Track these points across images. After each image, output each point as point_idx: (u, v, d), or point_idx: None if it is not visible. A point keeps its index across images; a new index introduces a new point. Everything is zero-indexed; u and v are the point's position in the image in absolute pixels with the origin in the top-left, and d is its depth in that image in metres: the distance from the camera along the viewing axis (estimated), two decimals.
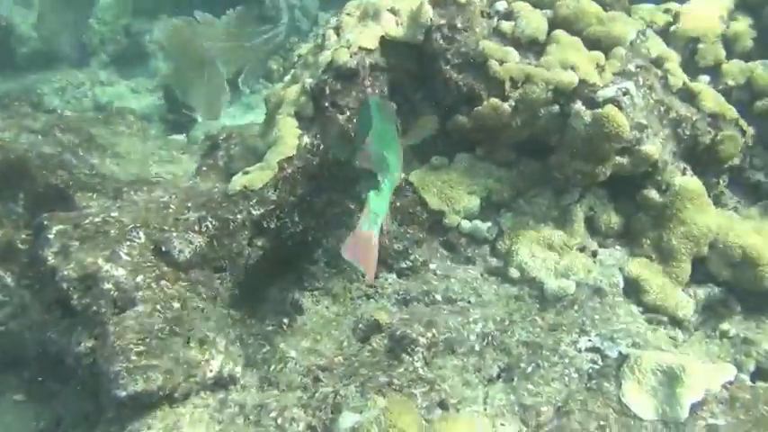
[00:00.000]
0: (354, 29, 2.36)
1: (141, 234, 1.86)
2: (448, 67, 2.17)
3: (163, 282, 1.82)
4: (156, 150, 3.16)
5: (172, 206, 2.04)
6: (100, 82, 4.93)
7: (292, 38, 5.08)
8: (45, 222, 1.86)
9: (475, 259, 2.16)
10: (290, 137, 2.21)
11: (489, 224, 2.19)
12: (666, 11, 2.70)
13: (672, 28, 2.50)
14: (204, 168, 2.56)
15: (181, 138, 4.09)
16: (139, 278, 1.78)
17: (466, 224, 2.21)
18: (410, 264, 2.12)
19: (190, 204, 2.06)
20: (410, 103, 2.35)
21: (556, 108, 2.05)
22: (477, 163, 2.23)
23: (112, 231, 1.84)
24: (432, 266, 2.12)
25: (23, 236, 2.15)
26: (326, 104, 2.26)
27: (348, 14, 2.50)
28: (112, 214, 1.89)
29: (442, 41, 2.19)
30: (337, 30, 2.45)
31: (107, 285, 1.73)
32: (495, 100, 2.06)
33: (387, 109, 1.93)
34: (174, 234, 1.91)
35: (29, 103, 3.33)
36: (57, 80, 4.84)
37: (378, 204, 1.64)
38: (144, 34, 5.14)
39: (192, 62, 4.28)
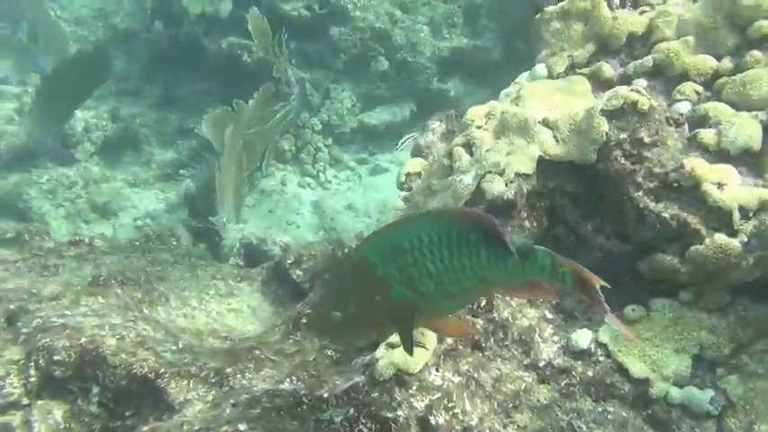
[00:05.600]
0: (497, 148, 1.92)
1: None
2: (640, 194, 1.70)
3: None
4: (209, 282, 2.57)
5: (305, 400, 1.55)
6: (93, 180, 4.37)
7: (303, 114, 4.63)
8: None
9: None
10: None
11: (711, 393, 1.67)
12: None
13: None
14: (304, 321, 2.06)
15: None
16: None
17: (676, 392, 1.68)
18: None
19: (325, 394, 1.56)
20: (576, 234, 1.89)
21: None
22: (684, 311, 1.73)
23: None
24: None
25: None
26: None
27: (478, 127, 2.07)
28: (240, 428, 1.39)
29: (625, 161, 1.74)
30: (468, 147, 2.01)
31: None
32: (721, 236, 1.57)
33: None
34: None
35: (37, 232, 2.75)
36: (44, 181, 4.25)
37: None
38: (134, 118, 4.71)
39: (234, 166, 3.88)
